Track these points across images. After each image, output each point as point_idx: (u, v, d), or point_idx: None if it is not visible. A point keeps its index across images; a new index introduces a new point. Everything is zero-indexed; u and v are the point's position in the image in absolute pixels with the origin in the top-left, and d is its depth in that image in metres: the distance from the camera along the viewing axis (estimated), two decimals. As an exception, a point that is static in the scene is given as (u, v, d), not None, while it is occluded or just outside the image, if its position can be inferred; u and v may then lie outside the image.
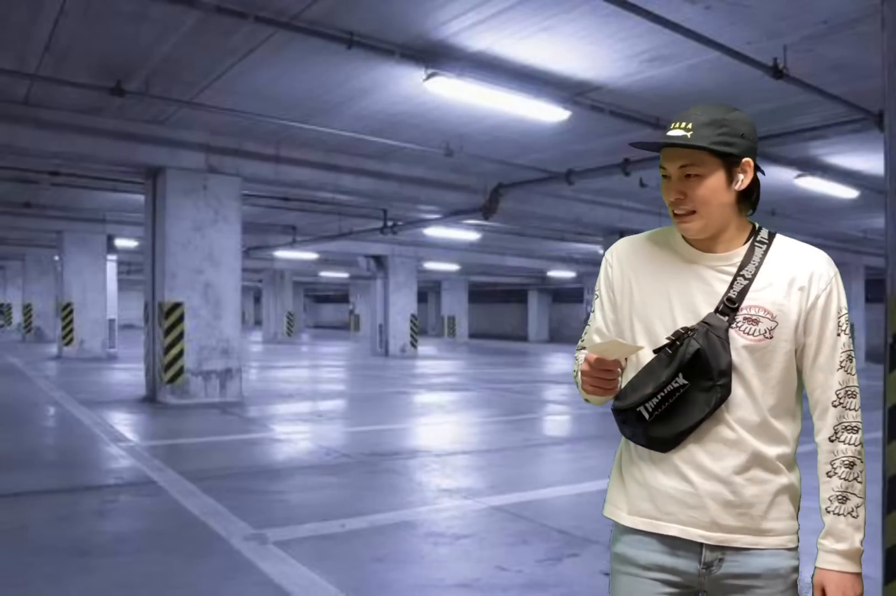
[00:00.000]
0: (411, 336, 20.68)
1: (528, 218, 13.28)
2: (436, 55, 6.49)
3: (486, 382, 13.28)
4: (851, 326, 1.41)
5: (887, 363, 2.33)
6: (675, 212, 1.37)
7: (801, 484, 1.43)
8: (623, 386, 1.41)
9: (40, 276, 22.49)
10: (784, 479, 1.38)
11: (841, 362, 1.37)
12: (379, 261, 20.25)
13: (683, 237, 1.42)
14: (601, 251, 15.43)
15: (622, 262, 1.46)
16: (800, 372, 1.40)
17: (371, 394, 11.37)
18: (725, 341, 1.33)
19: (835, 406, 1.37)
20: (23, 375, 12.81)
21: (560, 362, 20.43)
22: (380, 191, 10.82)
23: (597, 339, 1.48)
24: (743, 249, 1.39)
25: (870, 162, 10.10)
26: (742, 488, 1.34)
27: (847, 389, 1.37)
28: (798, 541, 1.41)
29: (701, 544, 1.36)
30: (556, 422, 9.16)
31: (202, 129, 9.10)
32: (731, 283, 1.36)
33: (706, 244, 1.40)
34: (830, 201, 12.58)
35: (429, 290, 38.88)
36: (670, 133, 1.33)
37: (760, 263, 1.37)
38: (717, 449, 1.35)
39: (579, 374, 1.39)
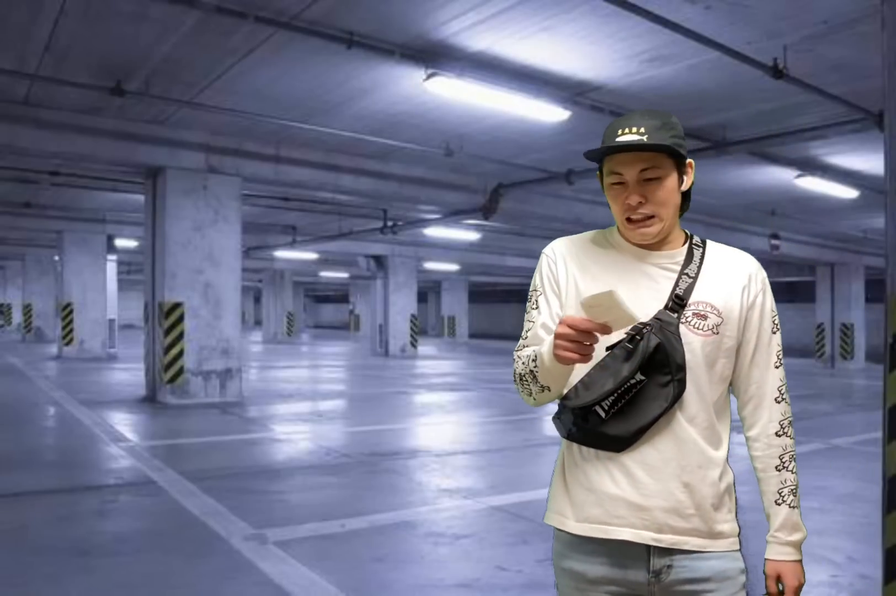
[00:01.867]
0: (411, 336, 20.68)
1: (528, 218, 13.27)
2: (436, 55, 6.50)
3: (486, 382, 13.28)
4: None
5: (887, 363, 2.33)
6: (632, 217, 1.37)
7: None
8: (572, 385, 1.38)
9: (40, 276, 22.49)
10: (728, 478, 1.40)
11: (778, 359, 1.42)
12: (379, 261, 20.25)
13: (622, 235, 1.43)
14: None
15: (565, 259, 1.44)
16: (733, 370, 1.43)
17: (371, 394, 11.37)
18: (678, 336, 1.33)
19: (778, 402, 1.41)
20: (23, 375, 12.81)
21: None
22: (380, 191, 10.82)
23: (542, 334, 1.41)
24: (683, 249, 1.42)
25: (870, 162, 10.10)
26: (692, 489, 1.34)
27: (784, 384, 1.43)
28: (741, 543, 1.40)
29: (649, 552, 1.34)
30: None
31: (202, 129, 9.11)
32: (677, 281, 1.38)
33: (651, 245, 1.41)
34: (830, 201, 12.58)
35: (429, 290, 38.90)
36: (623, 138, 1.33)
37: (701, 263, 1.41)
38: (667, 448, 1.34)
39: (539, 357, 1.32)
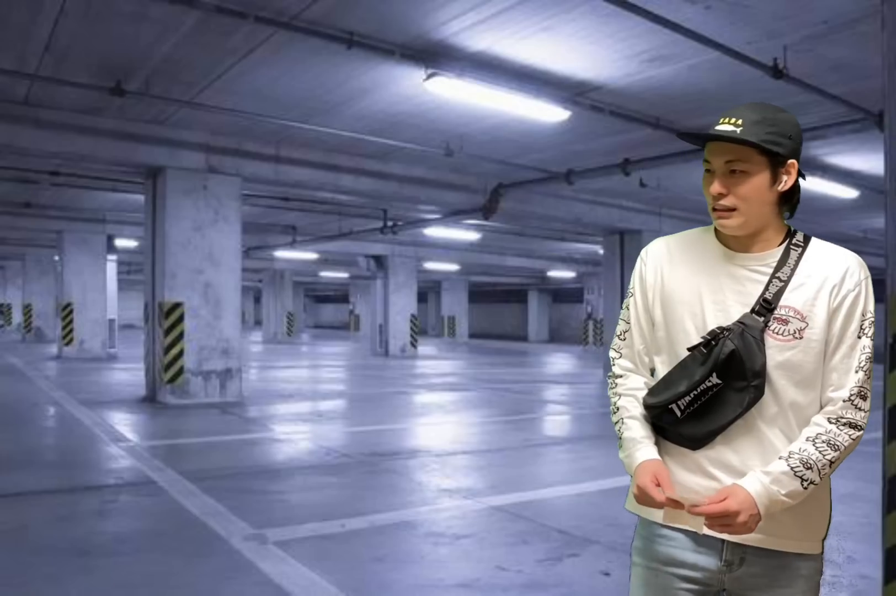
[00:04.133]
0: (411, 336, 20.68)
1: (528, 218, 13.27)
2: (436, 55, 6.49)
3: (486, 382, 13.28)
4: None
5: (887, 363, 2.33)
6: (715, 207, 1.37)
7: (830, 495, 1.41)
8: (657, 381, 1.43)
9: (40, 276, 22.49)
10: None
11: (860, 364, 1.35)
12: (379, 261, 20.25)
13: (718, 236, 1.43)
14: (601, 251, 15.43)
15: (655, 260, 1.47)
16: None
17: (371, 394, 11.37)
18: (761, 342, 1.33)
19: (844, 402, 1.34)
20: (23, 374, 12.81)
21: (560, 362, 20.44)
22: (380, 191, 10.82)
23: (637, 341, 1.48)
24: (778, 251, 1.40)
25: (870, 162, 10.10)
26: None
27: (861, 389, 1.34)
28: (823, 548, 1.39)
29: (723, 542, 1.36)
30: (556, 422, 9.15)
31: (202, 129, 9.11)
32: (767, 285, 1.36)
33: (742, 243, 1.40)
34: (830, 201, 12.57)
35: (429, 290, 38.88)
36: (719, 127, 1.33)
37: (796, 266, 1.37)
38: (744, 449, 1.35)
39: (624, 452, 1.41)
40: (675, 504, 1.27)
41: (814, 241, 1.43)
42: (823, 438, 1.32)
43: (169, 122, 8.80)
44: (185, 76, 7.27)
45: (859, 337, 1.35)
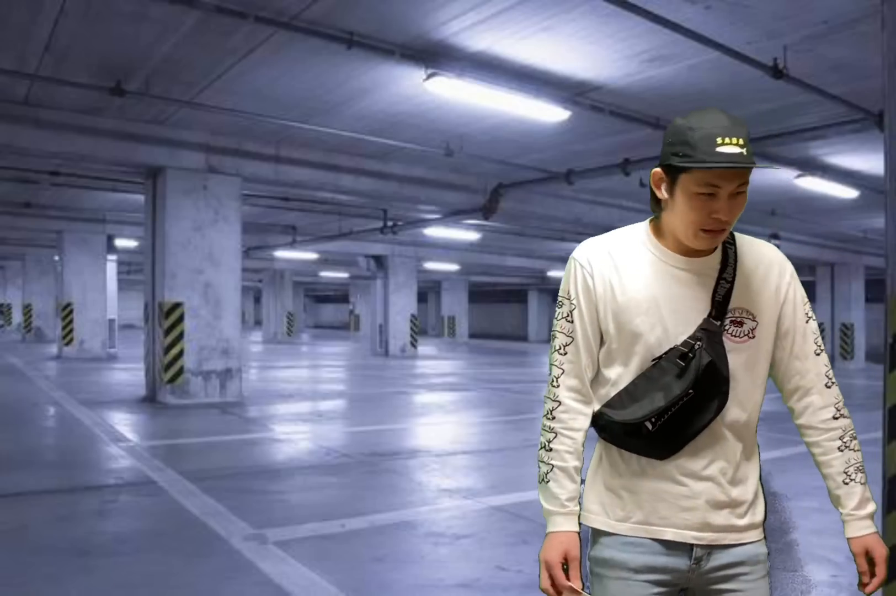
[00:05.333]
0: (411, 336, 20.68)
1: (528, 218, 13.27)
2: (436, 55, 6.49)
3: (486, 382, 13.28)
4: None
5: (887, 363, 2.33)
6: (711, 228, 1.30)
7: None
8: (616, 394, 1.38)
9: (40, 276, 22.49)
10: (757, 474, 1.43)
11: (817, 346, 1.42)
12: (379, 261, 20.24)
13: (657, 240, 1.39)
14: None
15: (601, 270, 1.38)
16: (772, 365, 1.43)
17: (371, 394, 11.37)
18: (722, 347, 1.33)
19: (828, 387, 1.41)
20: (23, 375, 12.81)
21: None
22: (380, 191, 10.82)
23: (583, 355, 1.40)
24: (718, 252, 1.39)
25: (870, 162, 10.10)
26: (730, 489, 1.37)
27: (829, 369, 1.43)
28: (765, 529, 1.45)
29: (691, 545, 1.37)
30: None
31: (202, 129, 9.10)
32: (716, 287, 1.36)
33: (684, 248, 1.37)
34: (830, 201, 12.58)
35: (429, 290, 38.88)
36: (728, 150, 1.24)
37: (735, 265, 1.38)
38: (708, 453, 1.36)
39: (543, 497, 1.40)
40: (575, 594, 1.32)
41: (737, 237, 1.43)
42: (847, 436, 1.41)
43: (169, 122, 8.80)
44: (185, 76, 7.26)
45: (807, 321, 1.42)
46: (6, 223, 15.93)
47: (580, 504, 1.42)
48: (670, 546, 1.37)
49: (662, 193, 1.35)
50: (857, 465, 1.40)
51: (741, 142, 1.26)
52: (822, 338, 1.45)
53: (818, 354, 1.41)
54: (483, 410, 9.63)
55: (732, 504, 1.37)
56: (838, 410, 1.41)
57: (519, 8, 5.53)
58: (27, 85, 7.50)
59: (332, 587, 3.18)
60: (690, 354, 1.31)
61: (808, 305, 1.43)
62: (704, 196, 1.28)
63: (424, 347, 23.60)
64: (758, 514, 1.41)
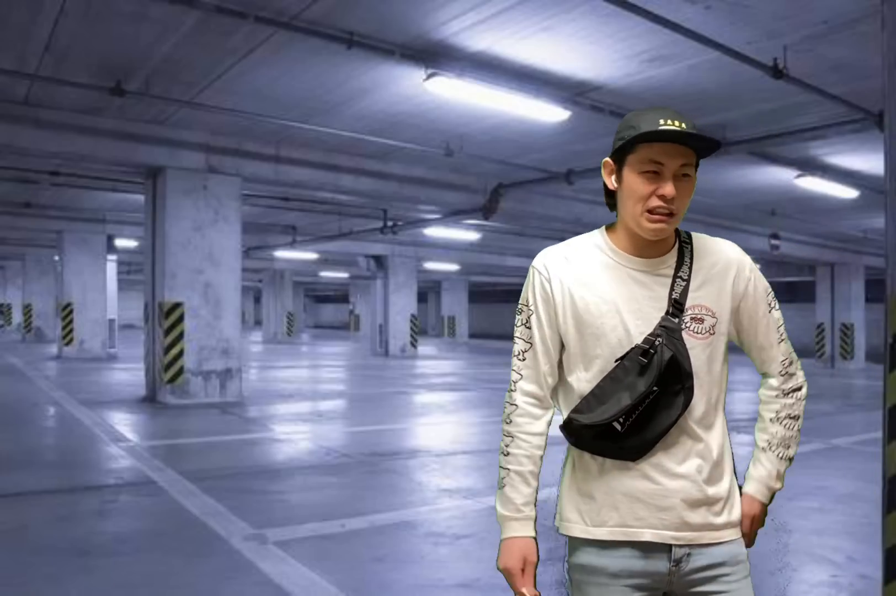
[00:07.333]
0: (411, 336, 20.68)
1: (528, 218, 13.27)
2: (436, 55, 6.50)
3: (486, 382, 13.28)
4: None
5: (887, 363, 2.33)
6: (656, 210, 1.32)
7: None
8: (582, 399, 1.39)
9: (40, 276, 22.50)
10: (732, 467, 1.44)
11: (780, 336, 1.46)
12: (379, 261, 20.25)
13: (613, 244, 1.41)
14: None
15: (559, 276, 1.40)
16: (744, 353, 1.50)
17: (371, 394, 11.37)
18: (683, 343, 1.35)
19: (781, 375, 1.47)
20: (23, 374, 12.81)
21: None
22: (380, 191, 10.82)
23: (542, 360, 1.44)
24: (674, 251, 1.41)
25: (870, 162, 10.10)
26: (705, 486, 1.37)
27: (789, 358, 1.47)
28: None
29: (670, 545, 1.37)
30: (556, 422, 9.14)
31: (202, 129, 9.10)
32: (672, 286, 1.37)
33: (639, 249, 1.39)
34: (830, 201, 12.58)
35: (429, 290, 38.90)
36: (670, 128, 1.28)
37: (692, 263, 1.40)
38: (679, 450, 1.37)
39: (499, 503, 1.46)
40: None
41: (694, 235, 1.46)
42: (784, 413, 1.45)
43: (169, 122, 8.80)
44: (185, 76, 7.26)
45: (770, 312, 1.44)
46: (6, 223, 15.93)
47: (559, 514, 1.47)
48: (649, 549, 1.36)
49: (612, 183, 1.41)
50: (783, 441, 1.45)
51: (684, 125, 1.30)
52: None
53: (780, 342, 1.45)
54: (483, 410, 9.63)
55: (709, 502, 1.37)
56: (783, 391, 1.45)
57: (519, 8, 5.53)
58: (27, 85, 7.50)
59: (332, 587, 3.18)
60: (652, 351, 1.32)
61: (770, 295, 1.45)
62: (650, 174, 1.32)
63: (424, 347, 23.61)
64: (734, 512, 1.41)
